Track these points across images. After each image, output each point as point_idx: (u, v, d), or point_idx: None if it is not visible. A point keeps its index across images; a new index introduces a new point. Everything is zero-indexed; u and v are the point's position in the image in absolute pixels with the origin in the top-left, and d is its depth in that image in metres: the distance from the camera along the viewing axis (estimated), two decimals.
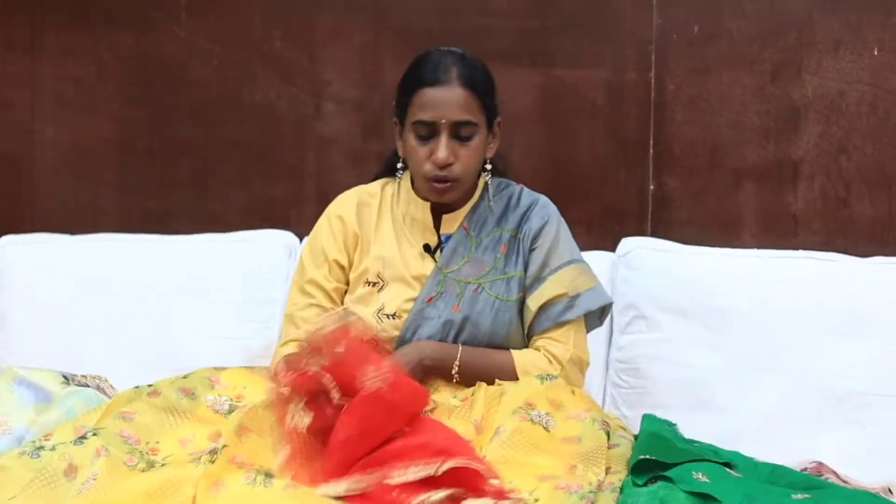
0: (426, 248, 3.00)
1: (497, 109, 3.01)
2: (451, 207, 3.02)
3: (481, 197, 3.03)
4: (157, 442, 2.52)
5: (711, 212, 3.78)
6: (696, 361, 3.44)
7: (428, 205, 3.01)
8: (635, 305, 3.51)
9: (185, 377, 2.75)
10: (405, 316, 2.94)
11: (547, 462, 2.52)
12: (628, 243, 3.62)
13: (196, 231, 3.85)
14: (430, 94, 2.88)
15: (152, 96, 4.07)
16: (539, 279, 2.98)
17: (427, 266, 2.99)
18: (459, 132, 2.89)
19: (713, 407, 3.37)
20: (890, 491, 2.85)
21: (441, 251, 3.00)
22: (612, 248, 3.62)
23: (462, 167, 2.91)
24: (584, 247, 3.66)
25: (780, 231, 3.74)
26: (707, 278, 3.53)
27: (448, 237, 3.00)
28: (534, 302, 2.97)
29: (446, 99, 2.87)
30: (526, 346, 3.00)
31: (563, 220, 3.07)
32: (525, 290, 2.99)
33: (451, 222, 3.01)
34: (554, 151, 3.86)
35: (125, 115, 4.08)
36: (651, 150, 3.82)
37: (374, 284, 2.99)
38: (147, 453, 2.48)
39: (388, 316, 2.95)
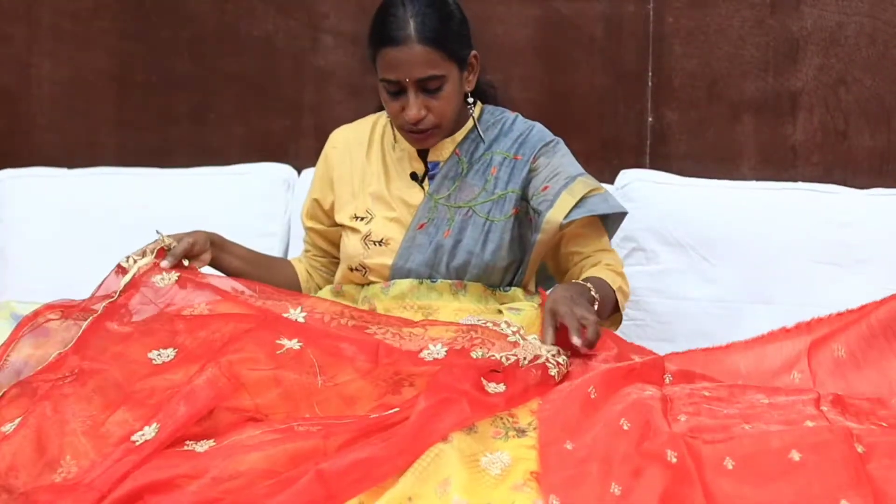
0: (413, 175, 3.01)
1: (470, 43, 2.96)
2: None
3: (473, 125, 3.02)
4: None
5: (710, 144, 3.78)
6: (695, 293, 3.45)
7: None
8: (634, 238, 3.52)
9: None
10: (392, 244, 2.95)
11: None
12: (627, 175, 3.63)
13: (194, 165, 3.86)
14: (391, 54, 2.84)
15: (150, 30, 4.05)
16: (556, 188, 2.94)
17: (415, 194, 3.00)
18: (427, 86, 2.86)
19: (711, 338, 3.35)
20: None
21: (428, 179, 3.00)
22: (611, 181, 3.62)
23: (436, 116, 2.89)
24: None
25: (778, 163, 3.74)
26: (705, 211, 3.54)
27: (436, 164, 3.00)
28: (564, 203, 2.92)
29: (406, 59, 2.83)
30: (513, 264, 2.99)
31: (561, 141, 3.07)
32: (528, 204, 2.97)
33: (441, 149, 3.00)
34: (552, 84, 3.85)
35: (123, 49, 4.07)
36: (649, 83, 3.81)
37: (363, 219, 3.00)
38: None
39: (375, 243, 2.96)
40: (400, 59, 2.84)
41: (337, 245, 3.12)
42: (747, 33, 3.76)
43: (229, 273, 2.97)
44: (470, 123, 3.02)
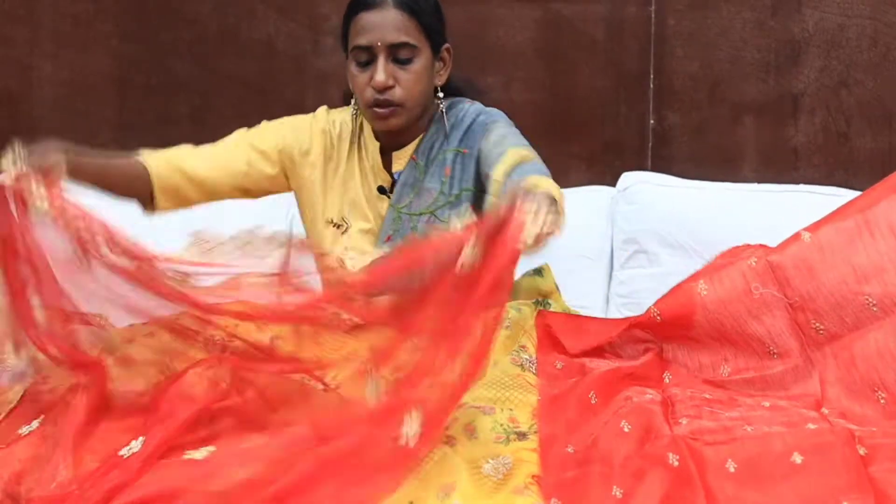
0: (380, 189, 2.92)
1: (443, 34, 2.89)
2: (401, 144, 2.92)
3: (434, 128, 2.92)
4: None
5: (712, 146, 3.78)
6: None
7: (378, 145, 2.92)
8: (635, 240, 3.52)
9: (177, 317, 2.74)
10: (368, 255, 2.86)
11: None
12: (628, 178, 3.62)
13: None
14: (366, 17, 2.79)
15: (151, 32, 4.05)
16: (501, 153, 2.76)
17: (383, 206, 2.92)
18: (398, 55, 2.79)
19: None
20: None
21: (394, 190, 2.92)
22: (613, 183, 3.62)
23: (404, 90, 2.80)
24: (584, 182, 3.68)
25: (780, 165, 3.74)
26: (707, 213, 3.54)
27: (400, 174, 2.92)
28: (505, 163, 2.72)
29: (381, 21, 2.77)
30: None
31: (511, 122, 2.91)
32: (481, 194, 2.84)
33: (401, 158, 2.92)
34: (554, 86, 3.85)
35: (123, 52, 4.08)
36: (651, 85, 3.81)
37: (339, 227, 2.94)
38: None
39: (352, 257, 2.87)
40: (374, 22, 2.78)
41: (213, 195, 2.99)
42: (749, 35, 3.76)
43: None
44: (430, 130, 2.92)
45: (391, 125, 2.85)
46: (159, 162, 2.99)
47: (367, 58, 2.81)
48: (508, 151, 2.73)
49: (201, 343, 2.59)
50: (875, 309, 2.52)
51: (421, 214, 2.90)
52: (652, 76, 3.81)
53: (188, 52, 4.05)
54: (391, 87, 2.80)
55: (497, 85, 3.72)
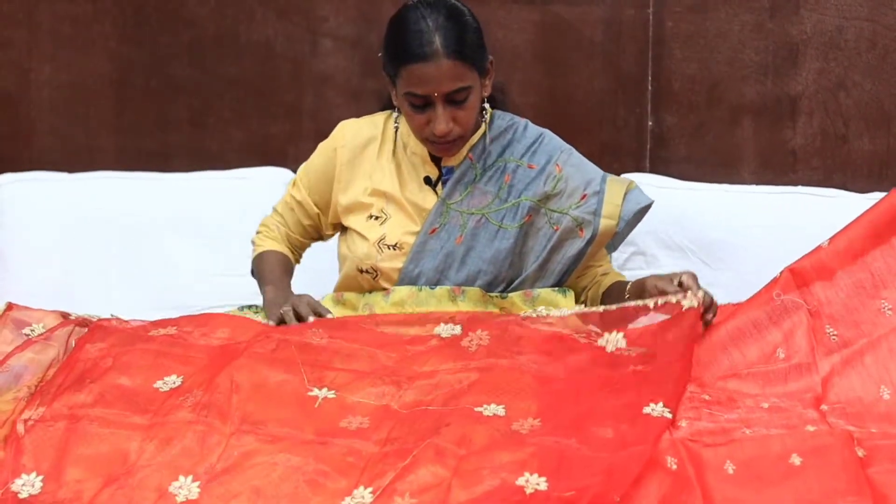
0: (426, 180, 2.98)
1: (487, 52, 2.94)
2: None
3: (486, 130, 2.99)
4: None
5: (710, 148, 3.78)
6: None
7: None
8: (634, 242, 3.52)
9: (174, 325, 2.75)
10: (406, 248, 2.93)
11: None
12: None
13: (194, 169, 3.86)
14: (419, 70, 2.82)
15: (150, 35, 4.05)
16: (593, 179, 2.98)
17: (428, 198, 2.97)
18: (454, 98, 2.85)
19: None
20: None
21: (442, 183, 2.98)
22: None
23: (462, 126, 2.88)
24: None
25: (778, 167, 3.74)
26: (705, 215, 3.54)
27: (450, 169, 2.98)
28: (611, 206, 2.96)
29: (436, 74, 2.81)
30: (516, 272, 2.97)
31: (572, 147, 3.05)
32: (546, 214, 2.96)
33: (456, 154, 2.98)
34: (552, 88, 3.85)
35: (122, 54, 4.07)
36: (649, 87, 3.81)
37: (377, 218, 2.98)
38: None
39: (388, 246, 2.94)
40: (429, 75, 2.82)
41: (311, 233, 3.13)
42: (747, 37, 3.76)
43: None
44: (483, 128, 3.00)
45: (452, 153, 2.96)
46: (288, 253, 3.15)
47: (423, 102, 2.85)
48: (610, 178, 2.97)
49: (202, 346, 2.60)
50: (890, 313, 2.53)
51: (472, 213, 2.96)
52: (650, 78, 3.81)
53: (187, 54, 4.04)
54: (451, 131, 2.87)
55: (495, 86, 3.71)
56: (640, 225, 3.49)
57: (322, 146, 3.09)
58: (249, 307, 2.99)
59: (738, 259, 3.46)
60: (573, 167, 2.98)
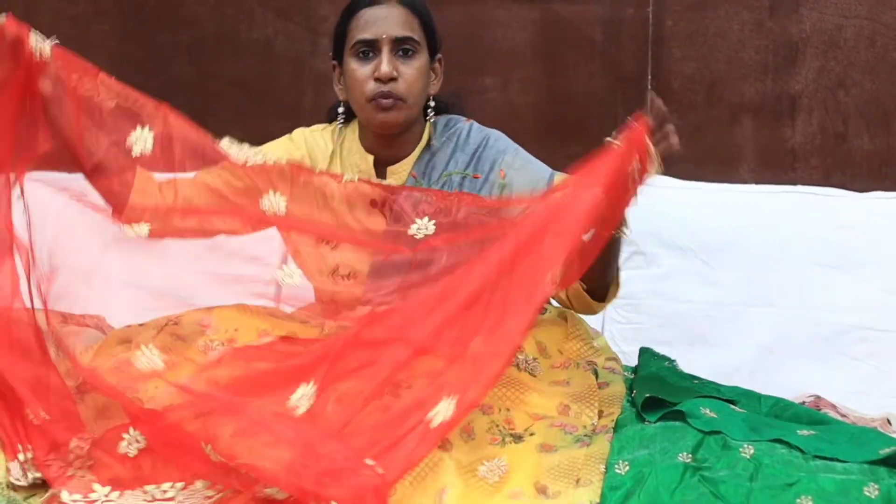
0: (373, 203, 2.80)
1: (438, 44, 2.90)
2: (396, 157, 2.90)
3: (428, 143, 2.91)
4: (156, 388, 2.49)
5: (709, 147, 3.78)
6: (694, 296, 3.45)
7: (371, 158, 2.90)
8: (633, 241, 3.50)
9: (176, 323, 2.74)
10: (360, 276, 2.80)
11: (539, 401, 2.52)
12: None
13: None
14: (369, 13, 2.81)
15: (149, 34, 4.05)
16: (543, 178, 2.88)
17: (377, 221, 2.80)
18: (401, 49, 2.80)
19: (711, 342, 3.39)
20: (889, 422, 2.87)
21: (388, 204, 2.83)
22: None
23: (406, 84, 2.80)
24: None
25: (778, 166, 3.74)
26: (705, 214, 3.54)
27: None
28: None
29: (386, 15, 2.80)
30: None
31: (520, 147, 2.94)
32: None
33: (398, 173, 2.89)
34: (551, 87, 3.85)
35: (122, 53, 4.07)
36: (649, 86, 3.81)
37: (328, 242, 2.85)
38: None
39: (343, 277, 2.82)
40: (378, 16, 2.80)
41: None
42: (746, 36, 3.76)
43: None
44: (423, 142, 2.90)
45: (392, 118, 2.82)
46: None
47: (370, 52, 2.80)
48: (558, 176, 2.82)
49: (201, 347, 2.60)
50: None
51: None
52: (650, 77, 3.81)
53: (187, 53, 4.05)
54: (395, 80, 2.79)
55: (495, 86, 3.72)
56: (639, 224, 3.48)
57: (280, 142, 3.01)
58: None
59: (739, 258, 3.45)
60: (517, 171, 2.87)
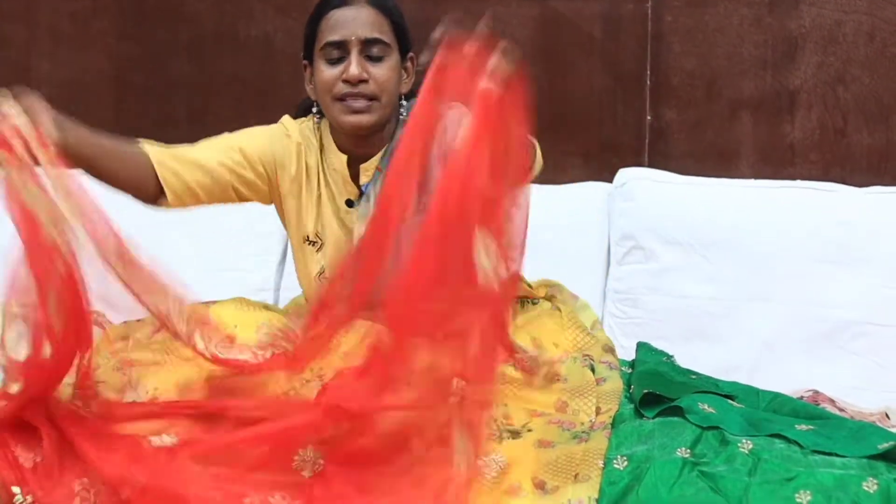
0: (348, 203, 2.87)
1: (410, 41, 2.87)
2: (368, 155, 2.87)
3: (398, 138, 2.81)
4: (155, 388, 2.49)
5: (709, 143, 3.78)
6: (693, 292, 3.45)
7: (345, 158, 2.87)
8: (633, 236, 3.52)
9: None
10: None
11: (536, 397, 2.53)
12: (625, 174, 3.62)
13: None
14: (338, 14, 2.77)
15: (148, 31, 4.05)
16: None
17: (354, 220, 2.87)
18: (370, 51, 2.77)
19: (710, 337, 3.39)
20: (887, 416, 2.87)
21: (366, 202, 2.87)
22: (610, 180, 3.62)
23: (377, 85, 2.77)
24: (582, 179, 3.68)
25: (777, 161, 3.74)
26: (704, 209, 3.54)
27: (367, 186, 2.87)
28: None
29: (355, 17, 2.76)
30: None
31: None
32: None
33: (368, 170, 2.87)
34: (551, 84, 3.85)
35: (121, 51, 4.08)
36: (648, 82, 3.81)
37: (314, 244, 2.89)
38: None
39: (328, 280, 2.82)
40: (347, 17, 2.77)
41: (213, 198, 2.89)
42: (746, 32, 3.76)
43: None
44: (393, 141, 2.85)
45: (363, 121, 2.79)
46: (157, 149, 2.81)
47: (339, 54, 2.77)
48: None
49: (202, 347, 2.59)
50: None
51: None
52: (649, 73, 3.81)
53: (186, 51, 4.05)
54: (364, 81, 2.76)
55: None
56: (639, 220, 3.50)
57: (278, 130, 2.95)
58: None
59: (738, 253, 3.45)
60: None
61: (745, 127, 3.76)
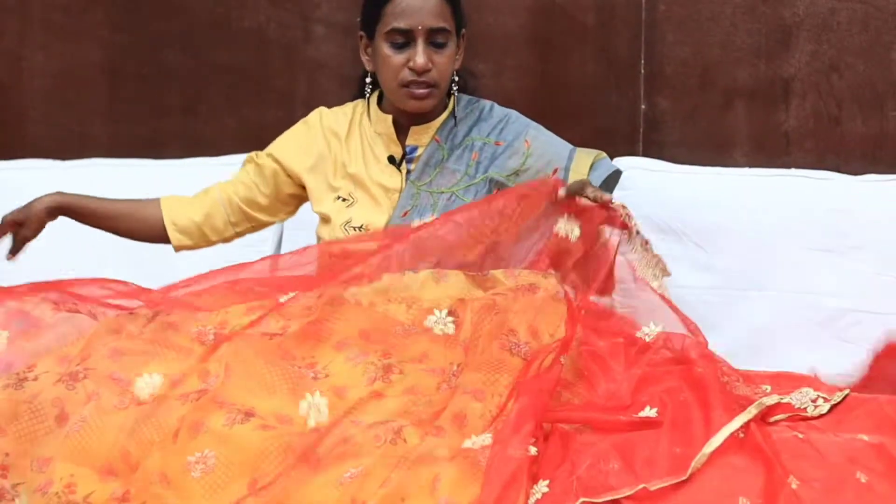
0: (391, 159, 3.02)
1: (465, 19, 3.04)
2: (421, 119, 3.04)
3: (452, 110, 3.05)
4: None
5: (703, 131, 3.78)
6: (688, 281, 3.44)
7: (389, 117, 3.04)
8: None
9: (168, 311, 2.74)
10: (372, 230, 2.94)
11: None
12: (619, 163, 3.61)
13: (186, 157, 3.87)
14: (406, 2, 2.91)
15: (141, 22, 4.05)
16: (562, 153, 3.04)
17: (394, 179, 3.01)
18: (435, 39, 2.93)
19: (705, 326, 3.33)
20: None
21: (406, 162, 3.02)
22: None
23: (439, 73, 2.94)
24: None
25: (771, 150, 3.74)
26: (699, 198, 3.54)
27: (414, 148, 3.03)
28: (581, 161, 3.04)
29: (422, 6, 2.90)
30: None
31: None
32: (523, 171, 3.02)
33: (421, 134, 3.03)
34: (544, 73, 3.85)
35: (114, 42, 4.07)
36: (642, 71, 3.80)
37: (345, 201, 3.01)
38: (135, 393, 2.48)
39: (355, 228, 2.95)
40: (415, 7, 2.90)
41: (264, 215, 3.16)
42: (739, 20, 3.75)
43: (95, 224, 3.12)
44: (450, 107, 3.06)
45: (425, 106, 2.98)
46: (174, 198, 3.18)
47: (404, 40, 2.92)
48: (578, 151, 3.04)
49: (195, 334, 2.59)
50: None
51: (442, 193, 2.99)
52: (643, 62, 3.80)
53: (179, 41, 4.04)
54: (429, 70, 2.92)
55: (488, 72, 3.72)
56: (632, 209, 3.48)
57: (296, 126, 3.17)
58: None
59: (733, 242, 3.45)
60: (542, 143, 3.04)
61: (739, 115, 3.76)
